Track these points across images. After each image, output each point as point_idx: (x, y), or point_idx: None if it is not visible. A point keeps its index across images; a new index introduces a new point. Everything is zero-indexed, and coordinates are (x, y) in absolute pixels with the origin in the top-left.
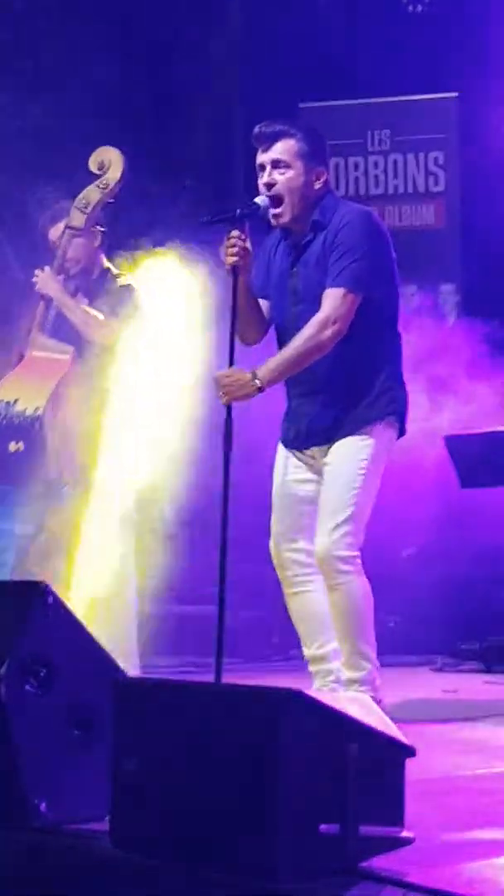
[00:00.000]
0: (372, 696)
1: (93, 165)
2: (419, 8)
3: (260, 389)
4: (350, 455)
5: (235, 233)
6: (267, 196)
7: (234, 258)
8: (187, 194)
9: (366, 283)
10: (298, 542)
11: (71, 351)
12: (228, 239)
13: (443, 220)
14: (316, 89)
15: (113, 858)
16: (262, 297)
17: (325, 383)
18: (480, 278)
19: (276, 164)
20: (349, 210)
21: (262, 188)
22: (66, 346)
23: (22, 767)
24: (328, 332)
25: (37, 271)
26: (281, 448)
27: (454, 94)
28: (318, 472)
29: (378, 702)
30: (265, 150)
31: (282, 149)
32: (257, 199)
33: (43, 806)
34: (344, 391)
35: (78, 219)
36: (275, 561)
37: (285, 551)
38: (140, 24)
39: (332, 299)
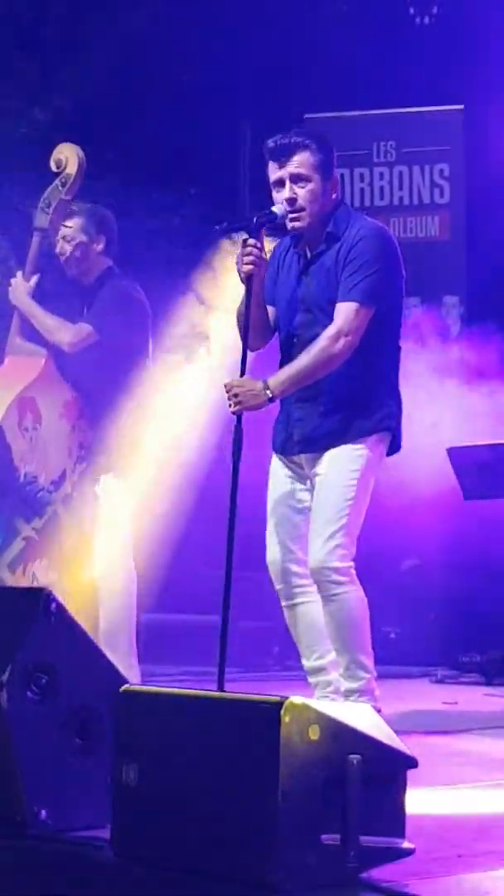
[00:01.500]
0: (373, 706)
1: (52, 164)
2: (426, 20)
3: (271, 399)
4: (343, 465)
5: (252, 241)
6: (289, 210)
7: (250, 266)
8: (192, 203)
9: (377, 299)
10: (295, 553)
11: (45, 353)
12: (244, 247)
13: (447, 233)
14: (322, 100)
15: (113, 867)
16: (269, 304)
17: (325, 392)
18: (484, 290)
19: (295, 178)
20: (365, 224)
21: (283, 204)
22: (40, 349)
23: (22, 775)
24: (340, 345)
25: (12, 279)
26: (274, 458)
27: (460, 107)
28: (308, 482)
29: (377, 711)
30: (283, 165)
31: (299, 162)
32: (274, 208)
33: (43, 813)
34: (342, 401)
35: (42, 219)
36: (271, 573)
37: (282, 563)
38: (146, 33)
39: (346, 313)
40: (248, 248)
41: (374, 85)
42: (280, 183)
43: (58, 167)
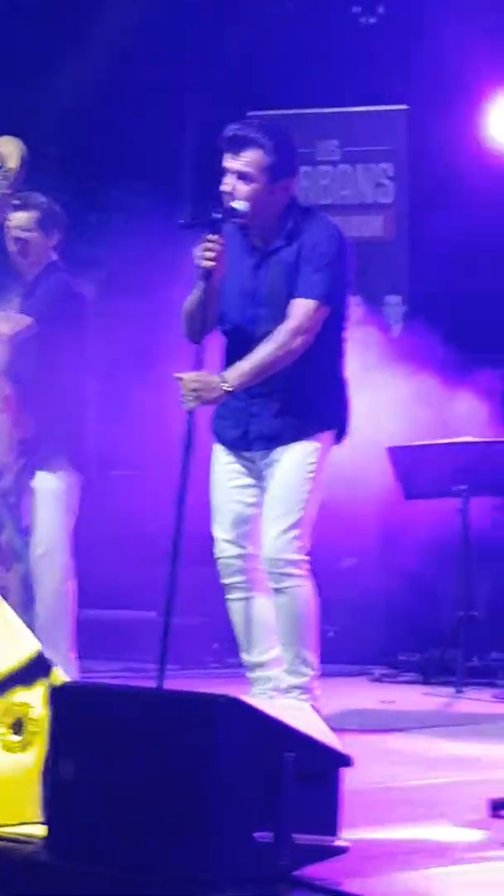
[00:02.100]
0: (311, 705)
1: None
2: (371, 20)
3: (230, 392)
4: (299, 459)
5: (213, 237)
6: (228, 204)
7: (211, 263)
8: (137, 198)
9: (334, 298)
10: (244, 547)
11: None
12: (206, 242)
13: (391, 232)
14: (266, 98)
15: (47, 863)
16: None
17: (279, 389)
18: (426, 290)
19: (241, 175)
20: (327, 224)
21: (222, 189)
22: None
23: None
24: (298, 341)
25: None
26: (220, 452)
27: (404, 107)
28: (259, 477)
29: (316, 711)
30: (233, 157)
31: (248, 160)
32: (234, 203)
33: None
34: (297, 398)
35: None
36: (219, 566)
37: (230, 558)
38: (90, 29)
39: (304, 309)
40: (209, 244)
41: (318, 83)
42: (227, 173)
43: None
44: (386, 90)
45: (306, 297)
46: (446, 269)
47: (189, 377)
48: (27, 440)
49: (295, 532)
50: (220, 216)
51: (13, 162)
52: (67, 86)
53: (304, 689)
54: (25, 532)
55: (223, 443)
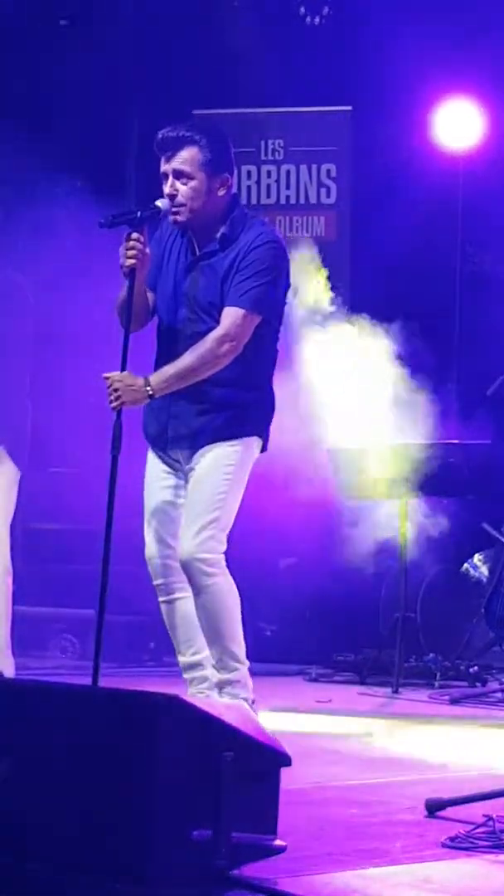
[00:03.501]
0: (244, 697)
1: None
2: (317, 20)
3: (151, 396)
4: (217, 461)
5: (135, 235)
6: (170, 205)
7: (133, 261)
8: (78, 195)
9: (265, 307)
10: (172, 548)
11: None
12: (128, 241)
13: (333, 232)
14: (211, 96)
15: None
16: (150, 288)
17: (203, 392)
18: (368, 291)
19: (178, 174)
20: (263, 232)
21: (165, 197)
22: None
23: None
24: (224, 349)
25: None
26: (150, 453)
27: (348, 108)
28: (183, 477)
29: (251, 702)
30: (168, 160)
31: (184, 158)
32: (158, 202)
33: None
34: (220, 402)
35: None
36: (149, 568)
37: (159, 558)
38: (35, 22)
39: (233, 318)
40: (131, 243)
41: (263, 83)
42: (165, 176)
43: None
44: (330, 91)
45: (236, 305)
46: (388, 270)
47: (114, 377)
48: None
49: (208, 532)
50: (138, 214)
51: None
52: (10, 82)
53: (235, 682)
54: None
55: (147, 437)
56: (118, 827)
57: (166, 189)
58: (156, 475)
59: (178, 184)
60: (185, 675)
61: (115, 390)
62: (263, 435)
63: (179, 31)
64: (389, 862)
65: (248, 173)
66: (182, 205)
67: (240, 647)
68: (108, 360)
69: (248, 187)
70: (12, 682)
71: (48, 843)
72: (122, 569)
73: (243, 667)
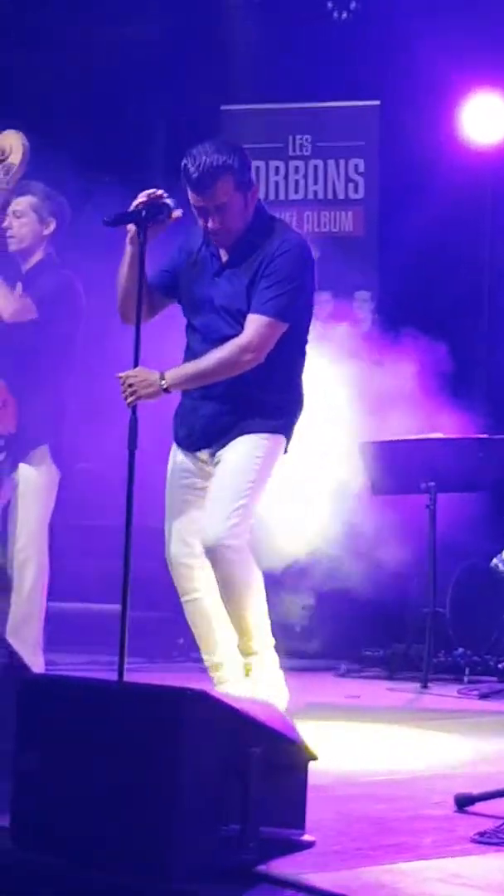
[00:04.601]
0: (271, 687)
1: None
2: (344, 15)
3: (165, 391)
4: (246, 450)
5: (160, 192)
6: (212, 234)
7: (142, 201)
8: (106, 189)
9: (290, 315)
10: (192, 547)
11: None
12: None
13: (361, 228)
14: (238, 92)
15: (11, 855)
16: (167, 291)
17: (232, 393)
18: (396, 286)
19: (218, 208)
20: (288, 239)
21: (205, 229)
22: None
23: None
24: (246, 358)
25: None
26: (174, 450)
27: (376, 102)
28: (206, 478)
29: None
30: (203, 197)
31: (220, 192)
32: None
33: None
34: (247, 403)
35: None
36: (170, 567)
37: (179, 557)
38: (62, 22)
39: (257, 326)
40: (150, 191)
41: (291, 78)
42: (201, 210)
43: (1, 155)
44: (358, 86)
45: (260, 313)
46: (415, 266)
47: (127, 373)
48: (7, 436)
49: (235, 519)
50: (143, 213)
51: (16, 157)
52: (34, 80)
53: (262, 663)
54: (3, 521)
55: (176, 440)
56: (145, 822)
57: (209, 224)
58: (178, 475)
59: (220, 217)
60: (213, 675)
61: (130, 385)
62: (289, 436)
63: (207, 26)
64: (418, 857)
65: (276, 169)
66: (228, 231)
67: (264, 629)
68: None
69: (276, 183)
70: (41, 678)
71: (74, 838)
72: (149, 565)
73: (269, 648)
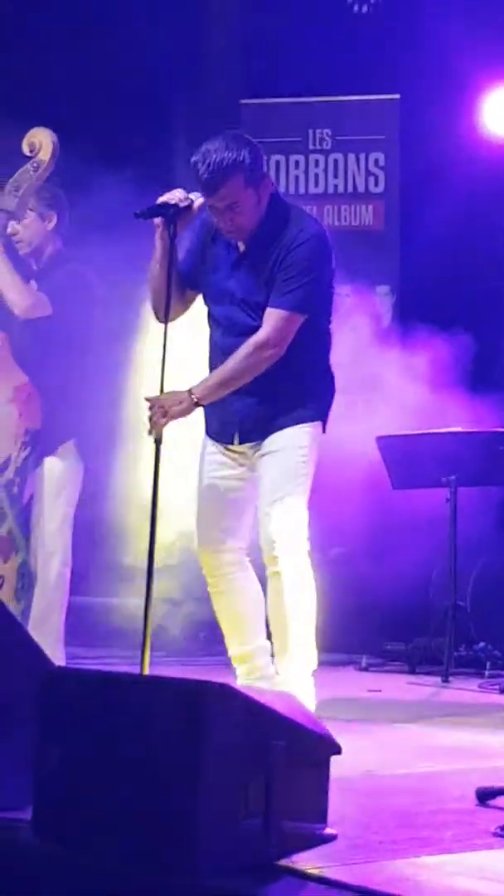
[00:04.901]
0: (308, 689)
1: (25, 147)
2: (364, 8)
3: (197, 404)
4: (290, 443)
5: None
6: (228, 231)
7: (168, 199)
8: (129, 183)
9: (308, 306)
10: (222, 540)
11: (1, 336)
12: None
13: (382, 222)
14: (258, 86)
15: (34, 849)
16: (188, 285)
17: (261, 385)
18: (417, 280)
19: (229, 207)
20: (304, 229)
21: (219, 227)
22: None
23: None
24: (266, 354)
25: None
26: (206, 443)
27: (396, 96)
28: (249, 469)
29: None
30: (213, 198)
31: (228, 192)
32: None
33: None
34: (279, 393)
35: (9, 202)
36: (199, 558)
37: (209, 549)
38: (79, 15)
39: (275, 320)
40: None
41: (310, 72)
42: (213, 209)
43: (31, 151)
44: (378, 79)
45: (278, 307)
46: (437, 259)
47: (156, 396)
48: (33, 431)
49: (292, 516)
50: (173, 208)
51: (46, 154)
52: (56, 73)
53: (300, 679)
54: (26, 513)
55: (208, 433)
56: (167, 815)
57: (221, 223)
58: (210, 466)
59: (233, 216)
60: (235, 665)
61: (161, 406)
62: (325, 418)
63: (226, 20)
64: (441, 850)
65: (296, 163)
66: (238, 230)
67: (309, 644)
68: (153, 348)
69: (296, 177)
70: (62, 671)
71: (98, 831)
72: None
73: (302, 656)
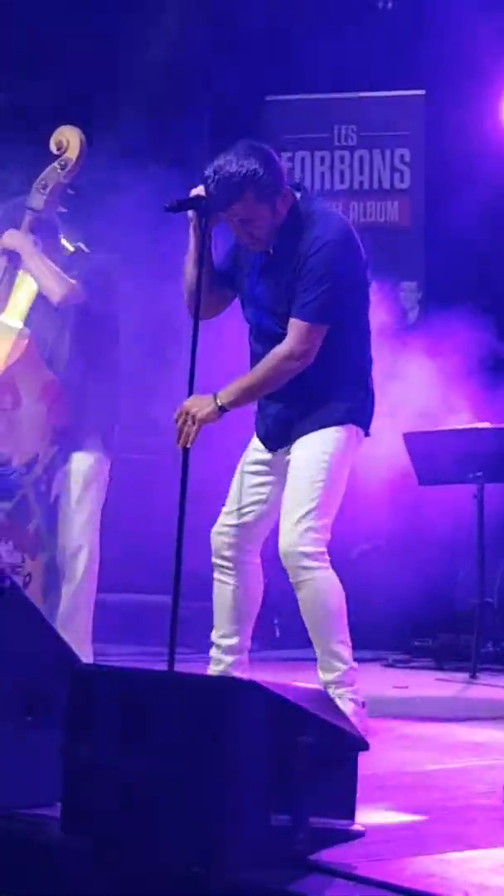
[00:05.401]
0: (351, 699)
1: (52, 146)
2: (389, 4)
3: (222, 409)
4: (312, 448)
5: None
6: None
7: (198, 192)
8: (151, 181)
9: (328, 314)
10: (229, 532)
11: (28, 333)
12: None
13: (407, 218)
14: (283, 83)
15: (62, 845)
16: (225, 283)
17: (293, 389)
18: (443, 276)
19: (244, 222)
20: (320, 236)
21: (238, 239)
22: (24, 329)
23: None
24: (292, 366)
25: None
26: (253, 440)
27: (421, 92)
28: (279, 474)
29: (361, 704)
30: (225, 213)
31: (242, 207)
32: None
33: None
34: (310, 396)
35: (37, 200)
36: (211, 540)
37: (220, 535)
38: (110, 11)
39: (297, 332)
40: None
41: (336, 68)
42: (229, 222)
43: (58, 149)
44: (403, 75)
45: (298, 317)
46: (462, 256)
47: (181, 406)
48: (61, 428)
49: (308, 523)
50: (203, 201)
51: (73, 152)
52: (80, 67)
53: (339, 683)
54: (54, 510)
55: (257, 433)
56: (196, 811)
57: (238, 236)
58: (249, 459)
59: (249, 229)
60: (210, 653)
61: (187, 412)
62: (363, 421)
63: (252, 17)
64: (468, 847)
65: (322, 159)
66: (255, 242)
67: (344, 647)
68: (178, 345)
69: (322, 173)
70: (90, 668)
71: (126, 827)
72: (202, 554)
73: (346, 667)
